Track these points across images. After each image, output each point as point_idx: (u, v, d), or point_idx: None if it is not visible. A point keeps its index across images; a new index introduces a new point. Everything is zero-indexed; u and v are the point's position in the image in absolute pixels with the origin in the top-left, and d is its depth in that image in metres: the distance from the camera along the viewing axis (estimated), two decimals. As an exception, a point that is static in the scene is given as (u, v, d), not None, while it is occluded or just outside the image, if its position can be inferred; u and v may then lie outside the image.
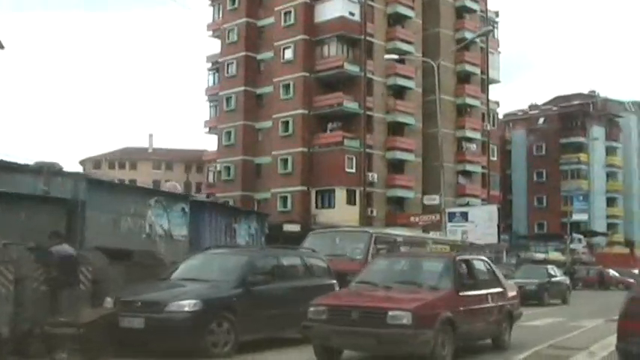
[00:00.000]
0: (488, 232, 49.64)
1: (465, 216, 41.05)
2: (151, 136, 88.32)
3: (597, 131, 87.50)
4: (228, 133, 65.19)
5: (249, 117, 64.05)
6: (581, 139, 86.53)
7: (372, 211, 58.77)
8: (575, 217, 62.52)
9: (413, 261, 13.05)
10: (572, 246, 63.96)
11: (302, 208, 58.50)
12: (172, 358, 10.93)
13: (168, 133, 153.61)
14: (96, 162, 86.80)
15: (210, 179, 69.31)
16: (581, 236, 65.83)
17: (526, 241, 79.66)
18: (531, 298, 26.80)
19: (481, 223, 49.93)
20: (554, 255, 69.89)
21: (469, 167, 67.77)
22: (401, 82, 62.01)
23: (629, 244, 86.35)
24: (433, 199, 40.12)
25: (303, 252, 14.28)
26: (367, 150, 59.37)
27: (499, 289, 13.24)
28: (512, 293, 13.97)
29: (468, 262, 12.79)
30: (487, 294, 12.56)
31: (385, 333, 10.06)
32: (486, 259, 14.21)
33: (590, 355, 11.60)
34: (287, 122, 60.20)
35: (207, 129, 69.97)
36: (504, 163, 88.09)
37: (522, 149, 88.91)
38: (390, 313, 10.09)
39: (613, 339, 13.46)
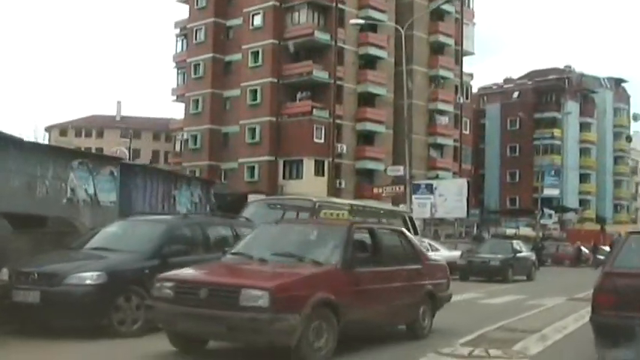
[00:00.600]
0: (458, 206, 48.66)
1: (429, 188, 39.87)
2: (119, 103, 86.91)
3: (572, 106, 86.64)
4: (196, 102, 63.73)
5: (217, 85, 62.58)
6: (556, 114, 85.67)
7: (340, 183, 57.62)
8: (546, 192, 61.68)
9: (301, 230, 10.75)
10: (542, 221, 63.16)
11: (270, 178, 57.27)
12: (73, 337, 9.60)
13: (137, 101, 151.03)
14: (62, 129, 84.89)
15: (177, 148, 67.67)
16: (552, 212, 65.08)
17: (497, 216, 79.01)
18: (495, 274, 25.82)
19: (450, 196, 48.90)
20: (525, 230, 69.19)
21: (441, 140, 66.70)
22: (373, 51, 60.63)
23: (600, 220, 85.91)
24: (397, 170, 38.96)
25: (233, 221, 12.92)
26: (337, 121, 58.10)
27: (416, 266, 11.01)
28: (437, 272, 11.89)
29: (371, 233, 10.37)
30: (396, 271, 10.43)
31: (235, 317, 7.93)
32: (402, 230, 11.87)
33: (541, 339, 10.45)
34: (255, 91, 58.81)
35: (174, 97, 68.33)
36: (478, 137, 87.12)
37: (496, 123, 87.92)
38: (244, 292, 7.98)
39: (570, 320, 12.44)
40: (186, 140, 64.45)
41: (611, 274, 8.08)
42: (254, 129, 58.41)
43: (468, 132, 72.24)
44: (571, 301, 16.99)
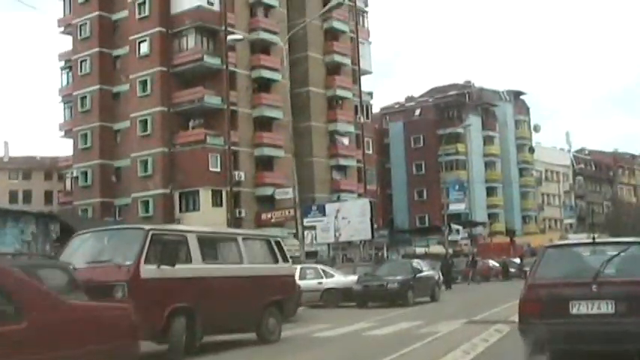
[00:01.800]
0: (362, 228, 46.72)
1: (322, 210, 37.76)
2: (6, 143, 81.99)
3: (473, 121, 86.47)
4: (84, 136, 60.44)
5: (106, 117, 59.57)
6: (458, 130, 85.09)
7: (240, 212, 55.03)
8: (452, 207, 60.47)
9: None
10: (450, 238, 61.90)
11: (165, 212, 54.41)
12: None
13: (25, 139, 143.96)
14: (-55, 174, 79.97)
15: (68, 186, 63.96)
16: (460, 227, 63.98)
17: (407, 235, 77.77)
18: (394, 297, 23.76)
19: (353, 218, 46.99)
20: (437, 248, 68.01)
21: (343, 161, 64.97)
22: (266, 74, 58.62)
23: (509, 233, 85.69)
24: (285, 193, 36.71)
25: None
26: (233, 147, 55.39)
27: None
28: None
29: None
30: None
31: None
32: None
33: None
34: (145, 121, 56.07)
35: (62, 132, 64.68)
36: (383, 157, 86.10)
37: (400, 142, 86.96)
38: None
39: (458, 355, 10.35)
40: (76, 177, 60.91)
41: (534, 286, 8.81)
42: (146, 161, 55.56)
43: (371, 152, 70.77)
44: (468, 325, 15.04)
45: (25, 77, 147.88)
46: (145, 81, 56.10)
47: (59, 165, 66.64)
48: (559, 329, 8.38)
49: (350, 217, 47.15)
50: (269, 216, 36.46)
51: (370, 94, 72.36)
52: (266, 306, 13.46)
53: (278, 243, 14.40)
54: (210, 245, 12.86)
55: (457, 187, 61.27)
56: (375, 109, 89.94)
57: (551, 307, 8.43)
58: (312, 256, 52.28)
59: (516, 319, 15.00)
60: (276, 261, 14.15)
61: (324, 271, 25.32)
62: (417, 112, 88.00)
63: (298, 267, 25.97)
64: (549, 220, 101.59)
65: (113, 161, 59.37)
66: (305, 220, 35.92)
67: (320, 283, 25.03)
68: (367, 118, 71.05)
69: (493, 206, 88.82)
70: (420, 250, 68.06)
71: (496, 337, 12.48)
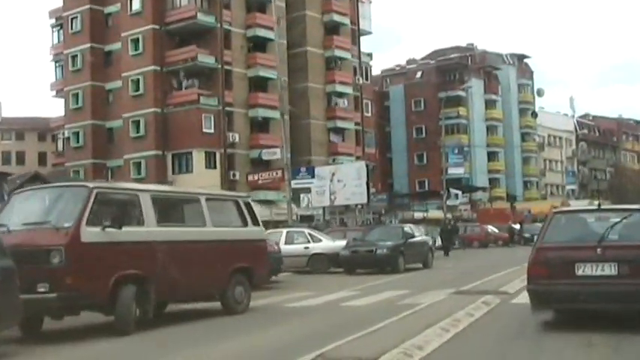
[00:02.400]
0: (357, 192, 45.65)
1: (311, 172, 36.17)
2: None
3: (475, 84, 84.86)
4: (76, 96, 59.11)
5: (98, 77, 58.19)
6: (460, 93, 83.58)
7: (234, 175, 53.72)
8: (451, 171, 58.99)
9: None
10: (449, 202, 60.57)
11: (158, 174, 53.17)
12: None
13: (19, 100, 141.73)
14: (-63, 133, 78.56)
15: (60, 147, 62.66)
16: (459, 192, 62.61)
17: (407, 200, 76.48)
18: (384, 264, 22.53)
19: (349, 181, 45.97)
20: (435, 213, 66.86)
21: (341, 124, 63.48)
22: (262, 33, 56.89)
23: (510, 198, 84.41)
24: (273, 154, 35.35)
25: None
26: (227, 108, 53.79)
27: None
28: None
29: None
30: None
31: None
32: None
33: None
34: (137, 81, 54.72)
35: (54, 92, 63.29)
36: (383, 120, 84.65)
37: (401, 105, 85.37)
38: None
39: (437, 331, 9.11)
40: (68, 138, 59.62)
41: (542, 249, 9.43)
42: (138, 122, 54.29)
43: (370, 115, 69.31)
44: (455, 296, 13.82)
45: (18, 36, 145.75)
46: (137, 39, 54.64)
47: (51, 126, 65.28)
48: (565, 289, 9.04)
49: (346, 180, 46.05)
50: (256, 177, 35.02)
51: (370, 55, 70.72)
52: (232, 273, 12.27)
53: (248, 204, 13.11)
54: (167, 206, 11.58)
55: (456, 150, 59.79)
56: (376, 72, 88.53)
57: (558, 268, 9.10)
58: (307, 220, 51.35)
59: (508, 290, 13.74)
60: (245, 224, 12.90)
61: (311, 235, 24.08)
62: (418, 74, 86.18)
63: (284, 231, 24.86)
64: (551, 186, 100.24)
65: (105, 122, 58.16)
66: (293, 182, 34.66)
67: (307, 248, 23.84)
68: (366, 80, 69.49)
69: (494, 171, 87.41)
70: (418, 215, 66.92)
71: (482, 311, 11.27)
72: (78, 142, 58.62)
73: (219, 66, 53.06)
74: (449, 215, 69.24)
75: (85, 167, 57.83)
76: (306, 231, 24.45)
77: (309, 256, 23.66)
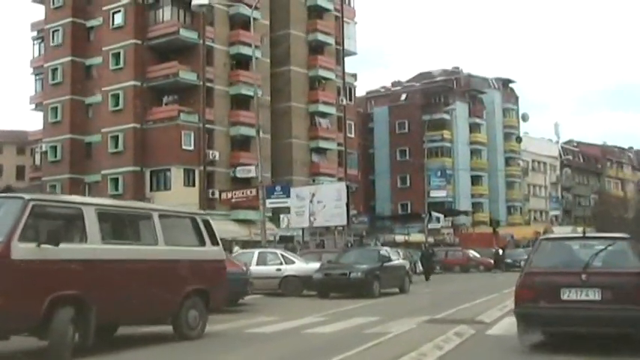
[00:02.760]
0: (337, 213, 44.73)
1: (286, 191, 35.17)
2: (-21, 116, 79.29)
3: (460, 107, 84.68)
4: (55, 109, 58.26)
5: (78, 91, 57.39)
6: (444, 116, 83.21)
7: (213, 193, 52.84)
8: (434, 194, 58.22)
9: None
10: (430, 226, 59.84)
11: (135, 190, 52.26)
12: None
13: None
14: None
15: (38, 161, 61.58)
16: (440, 215, 61.87)
17: (389, 222, 75.92)
18: (358, 288, 21.69)
19: (329, 202, 44.99)
20: (417, 237, 66.17)
21: (323, 144, 62.80)
22: (245, 50, 56.03)
23: (494, 223, 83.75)
24: (248, 171, 34.54)
25: None
26: (207, 125, 53.00)
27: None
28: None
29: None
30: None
31: None
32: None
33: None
34: (117, 95, 53.91)
35: (33, 105, 62.29)
36: (367, 141, 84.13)
37: (385, 127, 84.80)
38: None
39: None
40: (45, 152, 58.63)
41: (529, 273, 9.80)
42: (117, 137, 53.38)
43: (353, 135, 68.58)
44: (427, 325, 13.04)
45: None
46: (119, 54, 53.86)
47: (29, 139, 64.18)
48: (551, 313, 9.39)
49: (326, 201, 45.15)
50: (229, 195, 33.95)
51: (354, 76, 70.20)
52: (185, 296, 11.49)
53: (207, 222, 12.36)
54: (114, 222, 10.71)
55: (439, 173, 59.05)
56: (361, 93, 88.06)
57: (545, 293, 9.46)
58: (287, 240, 50.47)
59: (484, 319, 12.99)
60: (203, 243, 12.10)
61: (284, 256, 23.26)
62: (403, 96, 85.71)
63: (256, 252, 24.02)
64: (535, 211, 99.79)
65: (84, 136, 57.20)
66: (268, 202, 33.75)
67: (279, 269, 23.01)
68: (350, 100, 68.83)
69: (478, 195, 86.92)
70: (400, 238, 66.25)
71: (453, 344, 10.48)
72: (55, 156, 57.64)
73: (201, 83, 52.94)
74: (430, 239, 68.76)
75: (62, 182, 56.83)
76: (279, 252, 23.64)
77: (281, 278, 22.82)
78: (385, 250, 24.92)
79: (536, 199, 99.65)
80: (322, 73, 63.03)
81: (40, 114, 60.94)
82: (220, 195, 36.99)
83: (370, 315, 15.54)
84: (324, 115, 63.48)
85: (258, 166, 31.73)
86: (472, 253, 50.53)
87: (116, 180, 53.16)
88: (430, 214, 59.31)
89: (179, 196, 48.97)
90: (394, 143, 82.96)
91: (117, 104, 53.59)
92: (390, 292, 23.22)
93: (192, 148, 51.87)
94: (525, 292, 9.60)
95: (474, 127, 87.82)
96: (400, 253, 35.94)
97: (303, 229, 47.69)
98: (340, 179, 64.10)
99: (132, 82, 52.99)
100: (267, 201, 33.58)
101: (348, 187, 44.60)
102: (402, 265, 24.82)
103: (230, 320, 14.74)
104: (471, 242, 61.73)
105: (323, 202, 45.27)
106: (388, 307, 18.03)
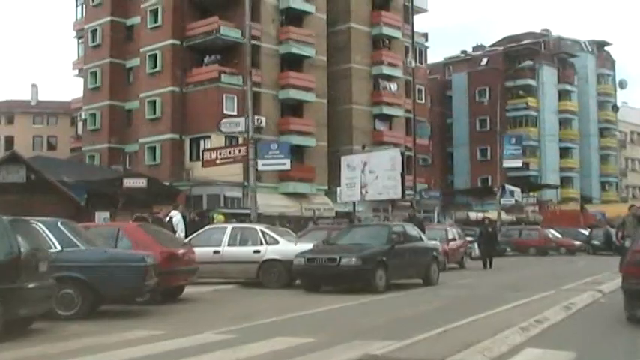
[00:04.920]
0: (390, 185, 38.47)
1: (284, 150, 28.63)
2: (34, 87, 75.93)
3: (548, 72, 76.90)
4: (94, 74, 53.87)
5: (118, 53, 52.85)
6: (530, 82, 75.69)
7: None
8: (507, 163, 50.88)
9: None
10: (503, 201, 52.78)
11: (174, 160, 47.52)
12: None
13: (54, 84, 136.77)
14: (-33, 117, 74.45)
15: (80, 131, 57.40)
16: (516, 189, 54.60)
17: (465, 198, 69.13)
18: (350, 278, 15.59)
19: (382, 173, 38.73)
20: (495, 214, 59.36)
21: (388, 110, 56.46)
22: (297, 5, 50.45)
23: (585, 200, 75.92)
24: (235, 125, 28.61)
25: None
26: (253, 88, 47.74)
27: None
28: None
29: None
30: None
31: None
32: None
33: None
34: (155, 56, 48.86)
35: (76, 71, 58.05)
36: (444, 110, 77.41)
37: (464, 95, 77.66)
38: None
39: None
40: (85, 120, 54.37)
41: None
42: (154, 102, 48.52)
43: (423, 101, 62.05)
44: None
45: (50, 18, 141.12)
46: (156, 10, 48.94)
47: (72, 107, 60.08)
48: None
49: (378, 171, 38.99)
50: (213, 156, 28.22)
51: (425, 35, 63.52)
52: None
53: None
54: None
55: (513, 140, 51.82)
56: (439, 59, 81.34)
57: None
58: (345, 217, 44.73)
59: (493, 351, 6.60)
60: None
61: (265, 234, 17.35)
62: (484, 61, 78.26)
63: (229, 227, 18.30)
64: (632, 188, 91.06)
65: (124, 103, 52.53)
66: (261, 163, 27.83)
67: (257, 251, 17.20)
68: (421, 63, 62.17)
69: (567, 169, 78.97)
70: (474, 216, 59.62)
71: None
72: (95, 124, 53.31)
73: (246, 40, 47.72)
74: (510, 217, 61.82)
75: (102, 152, 52.50)
76: (259, 228, 17.72)
77: (260, 263, 17.04)
78: (400, 227, 18.49)
79: (635, 175, 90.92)
80: (387, 31, 56.53)
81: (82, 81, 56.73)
82: (203, 156, 31.25)
83: (313, 333, 9.62)
84: (389, 78, 57.12)
85: (248, 117, 25.82)
86: (552, 233, 43.49)
87: (153, 149, 48.39)
88: (504, 188, 52.22)
89: (221, 166, 43.59)
90: (473, 112, 75.74)
91: (154, 66, 48.75)
92: (407, 285, 17.11)
93: (235, 112, 46.47)
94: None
95: (563, 94, 79.74)
96: (457, 232, 29.73)
97: (354, 204, 41.67)
98: (408, 150, 58.03)
99: (170, 41, 47.98)
100: (261, 162, 27.62)
101: (402, 154, 38.25)
102: (427, 248, 18.35)
103: (81, 334, 9.17)
104: (554, 220, 54.54)
105: (375, 172, 39.17)
106: (370, 314, 12.09)
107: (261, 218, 45.65)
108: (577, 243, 43.79)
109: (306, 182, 49.74)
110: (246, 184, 47.52)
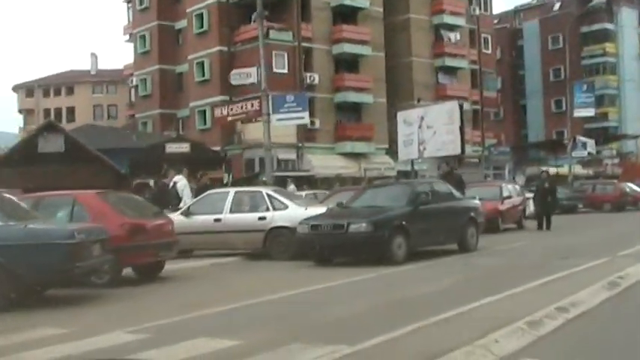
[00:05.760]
0: (448, 140, 35.63)
1: (302, 102, 25.54)
2: (93, 55, 75.05)
3: (628, 15, 71.88)
4: (143, 37, 52.27)
5: (165, 15, 51.19)
6: (608, 26, 70.93)
7: (313, 123, 45.13)
8: (578, 113, 47.08)
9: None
10: (575, 154, 49.06)
11: (224, 123, 45.24)
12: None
13: (115, 52, 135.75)
14: (29, 88, 74.13)
15: (133, 98, 55.99)
16: (589, 140, 50.60)
17: (539, 152, 65.28)
18: (362, 248, 12.99)
19: (440, 127, 35.88)
20: (575, 169, 55.62)
21: (451, 62, 53.18)
22: (349, -49, 47.52)
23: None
24: (247, 76, 26.11)
25: None
26: (304, 44, 45.53)
27: None
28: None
29: None
30: None
31: None
32: None
33: None
34: (201, 15, 46.75)
35: (127, 37, 56.51)
36: (516, 62, 73.55)
37: (535, 43, 73.44)
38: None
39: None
40: (136, 86, 52.87)
41: None
42: (202, 63, 46.51)
43: (490, 51, 58.43)
44: None
45: None
46: (201, -35, 46.74)
47: (124, 73, 58.71)
48: None
49: (436, 126, 36.15)
50: (224, 112, 25.84)
51: (490, -21, 59.55)
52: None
53: None
54: None
55: (585, 87, 47.95)
56: (508, 7, 77.24)
57: None
58: (405, 176, 42.12)
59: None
60: None
61: (272, 198, 15.00)
62: (556, 6, 73.64)
63: (231, 191, 16.02)
64: None
65: (174, 66, 50.71)
66: (276, 117, 25.21)
67: (263, 218, 14.87)
68: (486, 10, 58.41)
69: (651, 118, 74.11)
70: (551, 171, 55.97)
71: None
72: (145, 90, 51.76)
73: (294, -7, 45.31)
74: (587, 171, 58.17)
75: (154, 118, 50.96)
76: (265, 191, 15.32)
77: (267, 231, 14.72)
78: (428, 185, 15.55)
79: None
80: (447, -24, 53.17)
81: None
82: (213, 112, 28.87)
83: (246, 331, 7.26)
84: (452, 28, 53.77)
85: (260, 68, 23.31)
86: (630, 186, 39.85)
87: (204, 113, 46.44)
88: (574, 140, 48.49)
89: (274, 128, 41.24)
90: (547, 62, 71.47)
91: (201, 26, 46.70)
92: (438, 252, 14.49)
93: (285, 71, 44.30)
94: None
95: (645, 38, 74.72)
96: (514, 189, 26.79)
97: (412, 161, 38.95)
98: (475, 103, 54.85)
99: (216, -1, 45.75)
100: (276, 116, 25.03)
101: (461, 106, 35.18)
102: (463, 208, 15.49)
103: None
104: (634, 174, 50.57)
105: (433, 127, 36.34)
106: (362, 295, 9.66)
107: (317, 180, 43.86)
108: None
109: (364, 141, 47.16)
110: (300, 144, 45.70)
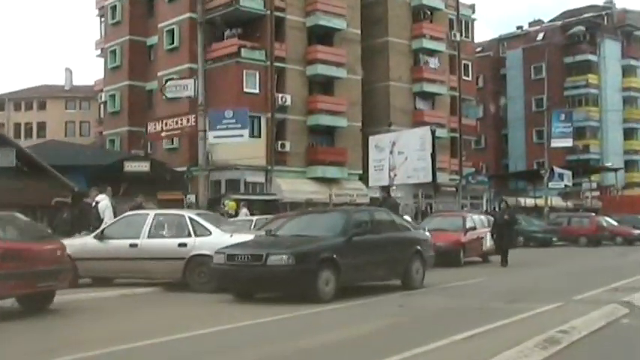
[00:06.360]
0: (420, 167, 34.41)
1: (241, 118, 23.90)
2: (67, 71, 73.48)
3: (611, 47, 71.13)
4: (114, 53, 50.71)
5: (138, 30, 49.75)
6: (591, 57, 70.10)
7: (283, 145, 43.76)
8: (555, 143, 45.68)
9: None
10: (551, 185, 47.67)
11: (192, 144, 43.62)
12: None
13: (90, 67, 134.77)
14: (-1, 102, 72.53)
15: (102, 114, 54.46)
16: (566, 172, 49.24)
17: (520, 183, 64.16)
18: (282, 283, 11.40)
19: (411, 154, 34.73)
20: (555, 200, 54.45)
21: (429, 87, 51.90)
22: (326, -28, 46.32)
23: (650, 184, 70.14)
24: (183, 89, 24.64)
25: None
26: (277, 63, 44.15)
27: None
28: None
29: None
30: None
31: None
32: None
33: None
34: (172, 31, 45.34)
35: (98, 51, 55.05)
36: (499, 90, 72.53)
37: (518, 72, 72.49)
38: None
39: None
40: (105, 102, 51.38)
41: None
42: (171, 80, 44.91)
43: (470, 78, 57.24)
44: None
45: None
46: (173, -20, 45.46)
47: (95, 89, 57.20)
48: None
49: (407, 151, 34.92)
50: (158, 128, 24.45)
51: (472, 7, 58.46)
52: None
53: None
54: None
55: (563, 116, 46.69)
56: (492, 35, 76.45)
57: None
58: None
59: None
60: None
61: (194, 222, 13.47)
62: (540, 36, 72.74)
63: (151, 214, 14.44)
64: None
65: (145, 83, 49.25)
66: (213, 134, 23.73)
67: (183, 245, 13.33)
68: (467, 37, 57.29)
69: (632, 152, 72.94)
70: (530, 202, 54.89)
71: None
72: (114, 106, 50.26)
73: (268, 12, 44.03)
74: (567, 203, 57.09)
75: (121, 135, 49.43)
76: (188, 215, 13.77)
77: (187, 259, 13.17)
78: (367, 214, 13.83)
79: None
80: (428, 1, 51.99)
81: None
82: (147, 128, 27.39)
83: None
84: (431, 53, 52.60)
85: (197, 80, 21.85)
86: (607, 220, 38.56)
87: (171, 131, 44.83)
88: (552, 171, 47.10)
89: (243, 148, 39.70)
90: (529, 91, 70.30)
91: (172, 42, 45.33)
92: (378, 289, 12.96)
93: (256, 91, 42.92)
94: None
95: (628, 71, 73.70)
96: (480, 220, 25.24)
97: (381, 188, 37.47)
98: (453, 130, 53.62)
99: (187, 15, 44.30)
100: (212, 133, 23.53)
101: (433, 132, 33.95)
102: (407, 240, 14.01)
103: None
104: (616, 207, 49.37)
105: (404, 153, 35.12)
106: (254, 345, 8.11)
107: (286, 205, 42.34)
108: (636, 232, 38.87)
109: (337, 166, 45.74)
110: (269, 167, 44.23)
